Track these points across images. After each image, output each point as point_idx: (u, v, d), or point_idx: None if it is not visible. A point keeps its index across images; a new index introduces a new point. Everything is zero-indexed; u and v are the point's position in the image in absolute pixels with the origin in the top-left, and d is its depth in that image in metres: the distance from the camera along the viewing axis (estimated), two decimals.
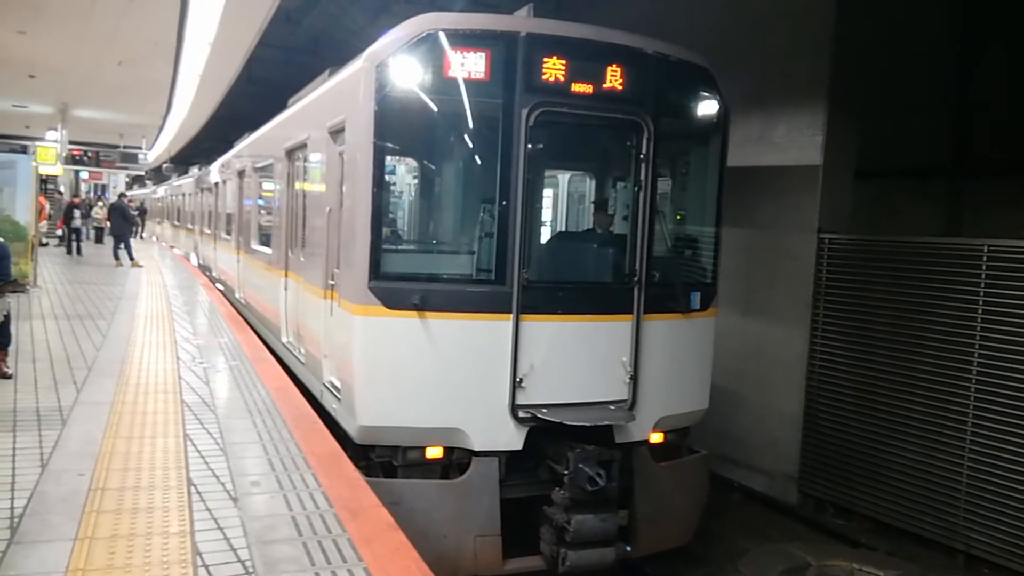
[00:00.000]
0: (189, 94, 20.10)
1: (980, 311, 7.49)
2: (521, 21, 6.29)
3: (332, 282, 6.99)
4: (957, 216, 11.69)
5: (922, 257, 8.10)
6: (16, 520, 4.10)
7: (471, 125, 6.12)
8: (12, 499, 4.37)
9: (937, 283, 7.89)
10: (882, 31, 9.55)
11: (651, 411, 6.59)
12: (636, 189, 6.48)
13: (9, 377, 7.09)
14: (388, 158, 6.25)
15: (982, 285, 7.48)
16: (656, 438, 6.77)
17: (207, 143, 28.87)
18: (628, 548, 6.30)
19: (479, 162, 6.57)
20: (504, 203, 6.05)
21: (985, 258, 7.45)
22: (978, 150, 11.44)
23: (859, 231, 9.29)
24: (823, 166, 9.10)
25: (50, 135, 31.78)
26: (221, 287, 15.98)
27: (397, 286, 5.93)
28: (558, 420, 5.96)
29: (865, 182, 10.03)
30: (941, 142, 11.71)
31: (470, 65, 5.91)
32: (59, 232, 25.01)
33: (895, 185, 11.48)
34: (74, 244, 22.76)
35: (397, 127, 6.06)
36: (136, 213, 30.36)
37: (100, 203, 32.16)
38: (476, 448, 6.08)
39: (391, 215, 7.42)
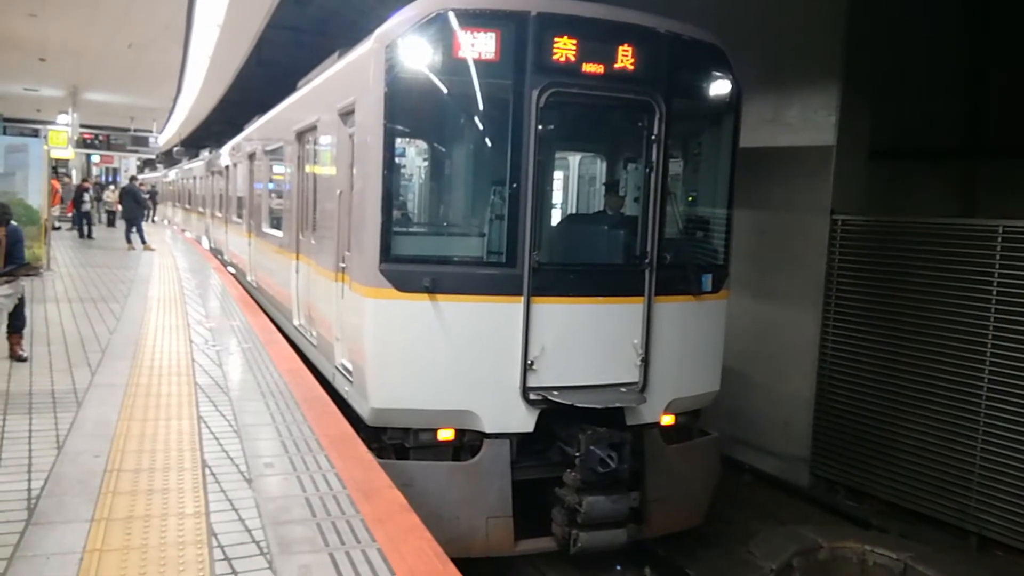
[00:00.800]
0: (199, 77, 20.10)
1: (995, 292, 7.43)
2: (532, 0, 6.23)
3: (343, 265, 6.99)
4: (972, 197, 11.57)
5: (936, 238, 8.03)
6: (33, 501, 4.14)
7: (481, 106, 6.08)
8: (29, 481, 4.42)
9: (951, 264, 7.82)
10: (896, 9, 9.42)
11: (662, 393, 6.58)
12: (648, 170, 6.44)
13: (24, 360, 7.15)
14: (398, 140, 6.23)
15: (996, 266, 7.41)
16: (667, 420, 6.77)
17: (217, 126, 28.85)
18: (627, 534, 6.28)
19: (489, 144, 6.53)
20: (515, 185, 6.02)
21: (1000, 239, 7.39)
22: (993, 130, 11.30)
23: (872, 212, 9.21)
24: (836, 147, 9.02)
25: (61, 119, 31.93)
26: (233, 270, 16.04)
27: (408, 268, 5.93)
28: (569, 402, 5.97)
29: (879, 163, 9.94)
30: (956, 122, 11.57)
31: (480, 45, 5.87)
32: (69, 215, 25.08)
33: (909, 166, 11.36)
34: (85, 228, 22.85)
35: (407, 108, 6.03)
36: (148, 196, 30.44)
37: (111, 187, 32.27)
38: (487, 430, 6.10)
39: (401, 197, 7.41)
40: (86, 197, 23.26)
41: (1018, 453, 7.22)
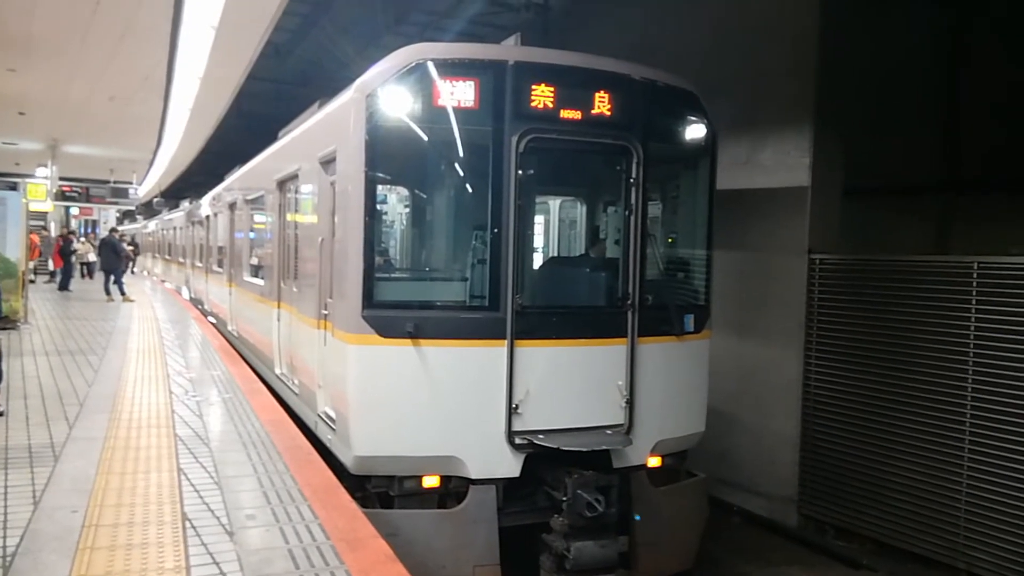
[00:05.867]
0: (179, 128, 20.17)
1: (973, 327, 7.52)
2: (509, 50, 6.36)
3: (325, 312, 6.97)
4: (946, 232, 11.78)
5: (913, 275, 8.14)
6: (8, 559, 4.03)
7: (461, 153, 6.15)
8: (4, 538, 4.31)
9: (929, 301, 7.92)
10: (869, 49, 9.65)
11: (648, 435, 6.56)
12: (627, 213, 6.52)
13: (1, 414, 7.02)
14: (379, 187, 6.26)
15: (973, 302, 7.51)
16: (654, 462, 6.73)
17: (198, 177, 28.93)
18: None
19: (470, 189, 6.59)
20: (496, 230, 6.06)
21: (975, 275, 7.50)
22: (967, 167, 11.55)
23: (849, 250, 9.33)
24: (811, 187, 9.16)
25: (40, 171, 31.85)
26: (213, 320, 15.92)
27: (391, 314, 5.92)
28: (555, 446, 5.93)
29: (854, 200, 10.10)
30: (930, 159, 11.81)
31: (459, 94, 5.96)
32: (51, 269, 24.94)
33: (884, 202, 11.56)
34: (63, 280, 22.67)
35: (388, 156, 6.09)
36: (131, 248, 30.31)
37: (81, 239, 32.06)
38: (473, 476, 6.03)
39: (383, 244, 7.42)
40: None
41: (1003, 488, 7.24)
